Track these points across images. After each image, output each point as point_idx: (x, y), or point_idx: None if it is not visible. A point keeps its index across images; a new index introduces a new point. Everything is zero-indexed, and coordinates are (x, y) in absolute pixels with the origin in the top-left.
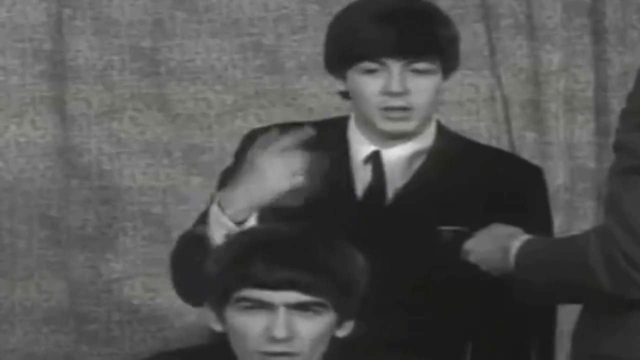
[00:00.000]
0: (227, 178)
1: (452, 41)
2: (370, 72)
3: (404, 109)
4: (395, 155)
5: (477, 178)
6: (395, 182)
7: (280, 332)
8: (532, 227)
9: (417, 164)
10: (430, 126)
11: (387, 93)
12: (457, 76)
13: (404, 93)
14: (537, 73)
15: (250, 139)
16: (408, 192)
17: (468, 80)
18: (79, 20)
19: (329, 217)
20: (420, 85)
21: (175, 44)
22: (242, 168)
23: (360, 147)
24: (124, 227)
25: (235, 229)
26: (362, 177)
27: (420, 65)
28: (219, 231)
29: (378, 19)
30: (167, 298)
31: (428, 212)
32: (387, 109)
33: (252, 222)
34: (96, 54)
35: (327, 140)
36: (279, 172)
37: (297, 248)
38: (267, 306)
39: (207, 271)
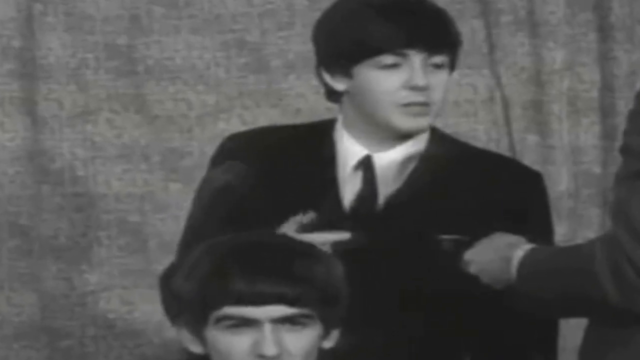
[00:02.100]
0: (205, 189)
1: (459, 36)
2: (388, 66)
3: (425, 104)
4: (387, 159)
5: (472, 184)
6: (386, 188)
7: (269, 350)
8: (531, 235)
9: (410, 168)
10: None
11: (412, 87)
12: (454, 75)
13: (426, 87)
14: (539, 72)
15: (229, 143)
16: (400, 198)
17: (466, 80)
18: (50, 16)
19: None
20: (437, 80)
21: (154, 41)
22: None
23: (350, 151)
24: (99, 236)
25: None
26: (351, 184)
27: (438, 59)
28: None
29: (391, 11)
30: (145, 312)
31: (421, 220)
32: (408, 104)
33: None
34: (69, 52)
35: (312, 146)
36: None
37: (277, 259)
38: (251, 323)
39: (179, 289)
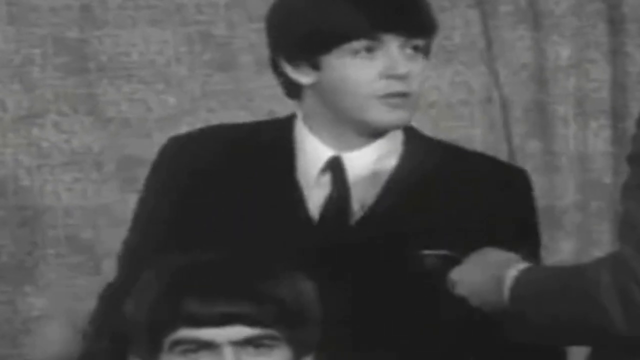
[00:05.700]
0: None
1: (436, 20)
2: (362, 53)
3: (405, 94)
4: (358, 160)
5: (458, 188)
6: (360, 193)
7: None
8: (520, 245)
9: (385, 171)
10: None
11: (391, 76)
12: (446, 73)
13: (407, 75)
14: (542, 69)
15: (171, 147)
16: (381, 205)
17: (460, 78)
18: None
19: (279, 246)
20: (415, 67)
21: (107, 35)
22: None
23: (315, 152)
24: (46, 254)
25: None
26: (318, 190)
27: (417, 42)
28: None
29: None
30: None
31: (405, 229)
32: (387, 95)
33: None
34: (12, 47)
35: (268, 147)
36: None
37: (233, 275)
38: (209, 346)
39: (129, 315)
